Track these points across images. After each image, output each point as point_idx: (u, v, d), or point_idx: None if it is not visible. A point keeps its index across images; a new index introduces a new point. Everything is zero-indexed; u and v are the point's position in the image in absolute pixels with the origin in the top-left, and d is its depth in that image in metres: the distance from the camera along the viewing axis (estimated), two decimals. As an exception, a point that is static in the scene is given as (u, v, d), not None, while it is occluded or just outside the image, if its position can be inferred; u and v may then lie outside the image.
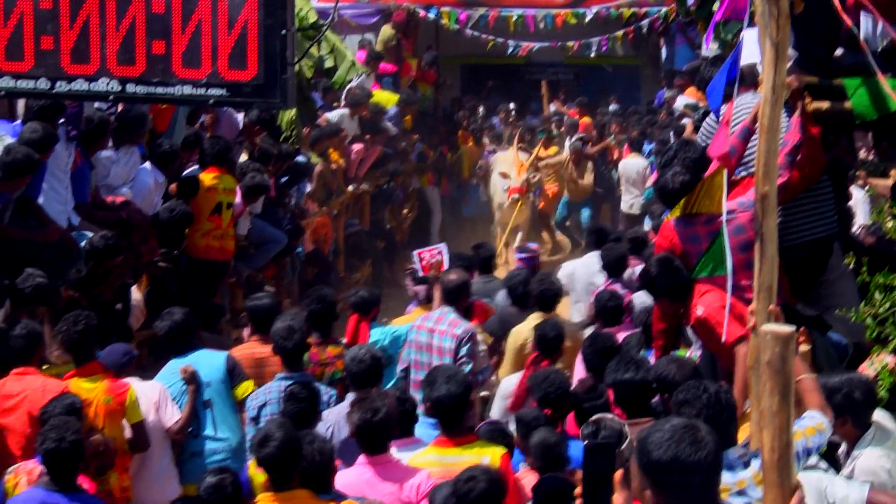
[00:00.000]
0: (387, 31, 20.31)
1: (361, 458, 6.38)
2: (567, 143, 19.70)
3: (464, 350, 8.46)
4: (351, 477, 6.33)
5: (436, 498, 5.72)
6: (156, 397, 7.69)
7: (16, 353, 7.48)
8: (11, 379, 7.40)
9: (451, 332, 8.56)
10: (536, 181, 18.40)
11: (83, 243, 9.12)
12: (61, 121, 9.08)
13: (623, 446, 5.49)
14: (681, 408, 5.16)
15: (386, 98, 18.94)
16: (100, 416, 7.46)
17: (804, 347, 6.09)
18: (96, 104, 9.57)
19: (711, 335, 6.68)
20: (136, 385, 7.66)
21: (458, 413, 6.52)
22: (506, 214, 18.37)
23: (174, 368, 7.94)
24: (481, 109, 23.52)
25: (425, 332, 8.67)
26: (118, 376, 7.71)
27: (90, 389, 7.47)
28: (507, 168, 18.33)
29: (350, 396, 7.24)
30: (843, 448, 5.73)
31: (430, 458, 6.47)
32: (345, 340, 8.88)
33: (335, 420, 7.17)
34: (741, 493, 4.95)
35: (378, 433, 6.30)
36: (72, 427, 6.21)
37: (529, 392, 7.37)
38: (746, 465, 5.13)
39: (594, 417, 5.79)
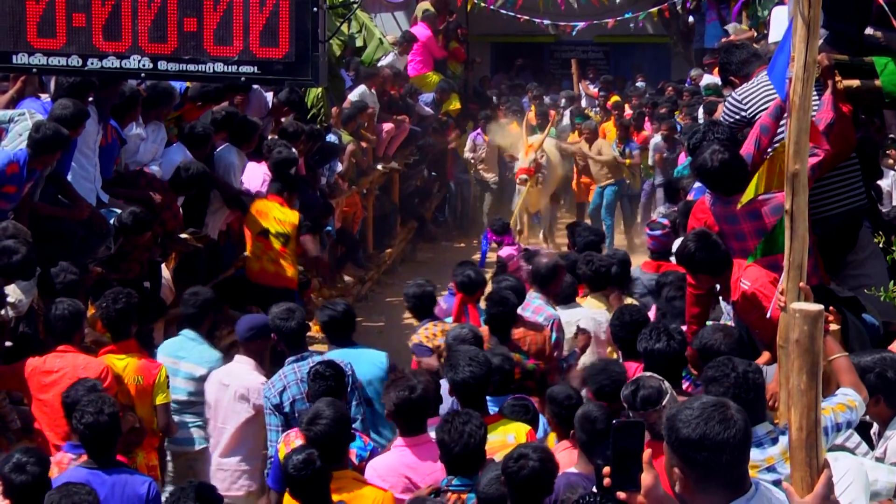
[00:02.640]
0: (424, 5, 20.24)
1: (399, 441, 6.34)
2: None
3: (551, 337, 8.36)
4: (391, 460, 6.28)
5: (481, 478, 5.61)
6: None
7: (58, 332, 7.52)
8: (53, 356, 7.45)
9: (535, 320, 8.48)
10: (545, 161, 17.20)
11: (112, 220, 9.16)
12: (91, 98, 9.11)
13: (664, 401, 5.45)
14: (709, 385, 5.17)
15: (431, 80, 19.04)
16: (130, 395, 7.52)
17: (834, 327, 6.07)
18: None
19: (755, 310, 6.64)
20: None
21: (481, 394, 6.50)
22: (522, 202, 17.28)
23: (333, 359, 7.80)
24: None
25: None
26: (247, 351, 7.81)
27: (122, 367, 7.53)
28: (513, 149, 17.61)
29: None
30: (875, 428, 5.70)
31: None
32: (450, 320, 8.78)
33: None
34: (770, 469, 4.96)
35: (416, 412, 6.26)
36: (108, 402, 6.21)
37: (584, 382, 7.18)
38: (775, 441, 5.13)
39: (634, 378, 5.75)
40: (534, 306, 8.61)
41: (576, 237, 11.10)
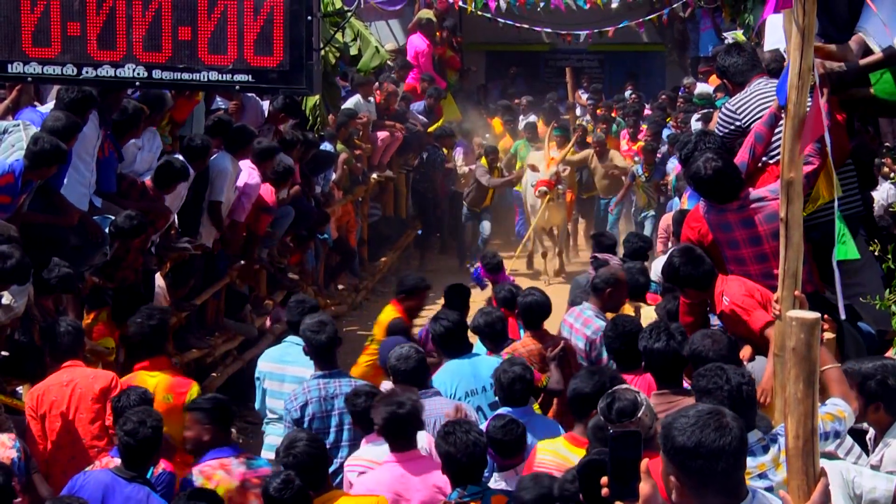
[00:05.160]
0: (425, 13, 20.22)
1: (389, 456, 6.30)
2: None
3: (594, 353, 8.31)
4: (381, 475, 6.24)
5: (524, 496, 5.51)
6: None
7: (64, 349, 7.56)
8: (60, 372, 7.48)
9: (583, 332, 8.45)
10: (566, 175, 16.88)
11: (107, 227, 9.14)
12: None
13: (640, 413, 5.47)
14: (702, 397, 5.19)
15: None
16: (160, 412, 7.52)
17: (829, 335, 6.08)
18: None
19: (739, 324, 6.66)
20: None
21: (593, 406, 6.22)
22: (539, 218, 16.70)
23: (452, 370, 7.71)
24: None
25: (566, 328, 8.55)
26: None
27: (154, 385, 7.54)
28: (536, 161, 16.88)
29: None
30: (871, 434, 5.69)
31: (559, 448, 6.26)
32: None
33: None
34: (762, 476, 4.99)
35: (405, 427, 6.24)
36: (154, 416, 6.22)
37: None
38: (766, 449, 5.16)
39: (609, 391, 5.77)
40: (584, 317, 8.55)
41: (624, 244, 10.95)
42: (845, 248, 6.59)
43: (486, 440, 6.11)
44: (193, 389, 7.61)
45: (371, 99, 16.78)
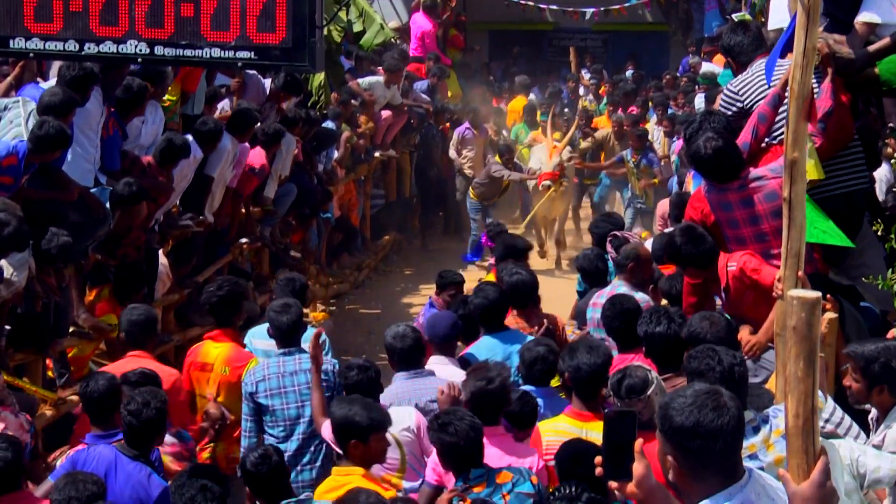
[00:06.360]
0: None
1: None
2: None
3: None
4: None
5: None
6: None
7: (132, 337, 7.58)
8: (125, 361, 7.46)
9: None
10: (571, 164, 16.40)
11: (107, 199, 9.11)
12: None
13: (650, 391, 5.47)
14: (693, 379, 5.20)
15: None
16: (214, 384, 7.54)
17: (831, 315, 6.08)
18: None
19: (748, 291, 6.67)
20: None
21: (597, 384, 6.29)
22: (540, 207, 16.30)
23: (487, 345, 7.67)
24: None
25: (597, 310, 8.36)
26: (444, 350, 7.40)
27: (214, 356, 7.57)
28: (538, 153, 16.48)
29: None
30: (873, 414, 5.71)
31: (562, 426, 6.28)
32: None
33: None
34: (752, 457, 5.01)
35: (492, 402, 6.20)
36: (158, 396, 6.20)
37: None
38: (756, 430, 5.20)
39: (621, 368, 5.76)
40: (618, 294, 8.48)
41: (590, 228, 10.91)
42: (824, 234, 6.56)
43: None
44: (251, 364, 7.59)
45: (394, 85, 16.68)
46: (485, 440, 6.04)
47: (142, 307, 7.86)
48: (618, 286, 8.49)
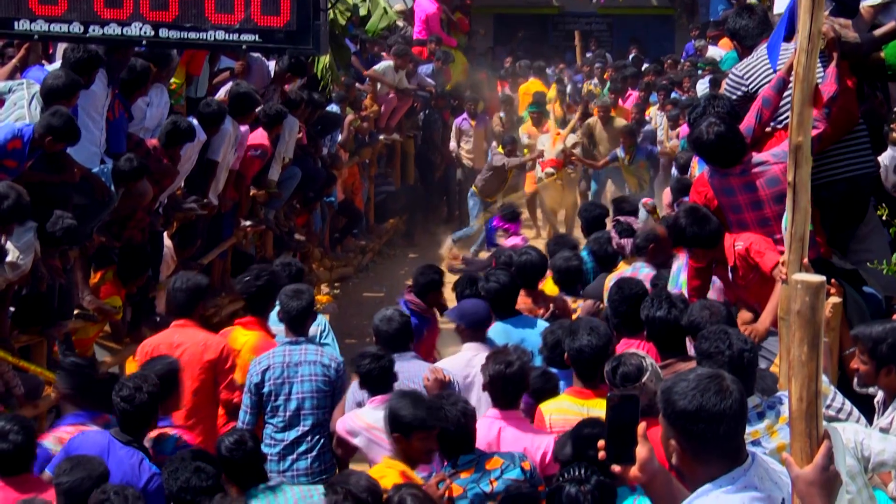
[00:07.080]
0: None
1: (493, 411, 6.28)
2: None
3: None
4: (480, 430, 6.12)
5: (560, 453, 5.45)
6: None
7: (177, 304, 7.58)
8: (171, 330, 7.49)
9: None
10: (579, 151, 16.18)
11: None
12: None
13: (644, 378, 5.48)
14: (702, 361, 5.20)
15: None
16: (239, 371, 7.53)
17: (835, 299, 6.08)
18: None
19: (754, 273, 6.67)
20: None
21: (597, 364, 6.24)
22: (550, 198, 16.19)
23: (502, 332, 7.60)
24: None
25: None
26: (475, 336, 7.34)
27: (242, 343, 7.59)
28: (542, 143, 16.26)
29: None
30: (879, 397, 5.70)
31: (564, 405, 6.31)
32: None
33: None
34: (755, 443, 5.01)
35: (510, 386, 6.22)
36: (150, 381, 6.18)
37: None
38: (761, 416, 5.19)
39: (616, 355, 5.77)
40: (643, 275, 8.31)
41: (580, 213, 11.01)
42: None
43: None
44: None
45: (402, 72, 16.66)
46: (503, 423, 6.09)
47: (191, 274, 7.86)
48: (640, 267, 8.51)
